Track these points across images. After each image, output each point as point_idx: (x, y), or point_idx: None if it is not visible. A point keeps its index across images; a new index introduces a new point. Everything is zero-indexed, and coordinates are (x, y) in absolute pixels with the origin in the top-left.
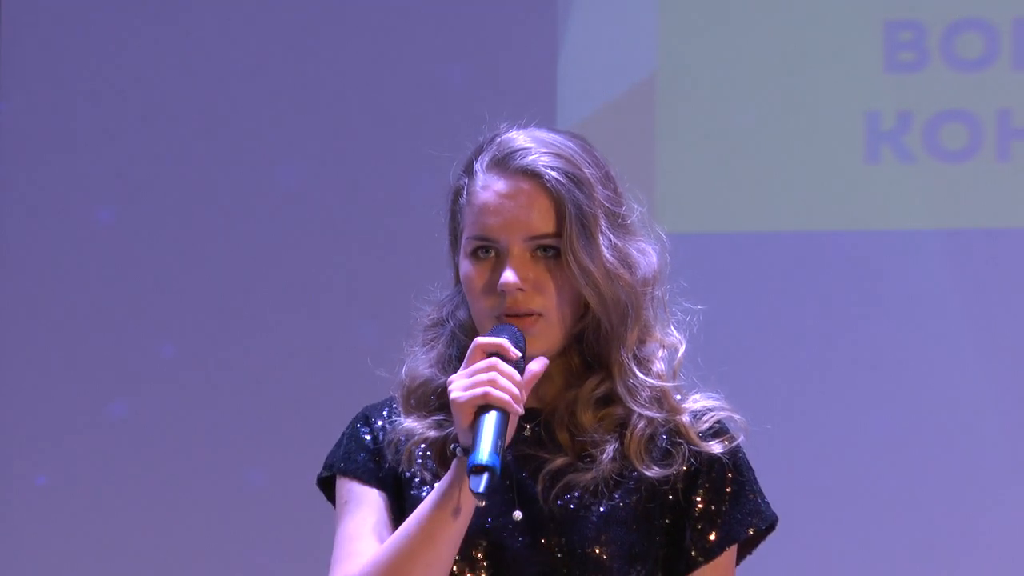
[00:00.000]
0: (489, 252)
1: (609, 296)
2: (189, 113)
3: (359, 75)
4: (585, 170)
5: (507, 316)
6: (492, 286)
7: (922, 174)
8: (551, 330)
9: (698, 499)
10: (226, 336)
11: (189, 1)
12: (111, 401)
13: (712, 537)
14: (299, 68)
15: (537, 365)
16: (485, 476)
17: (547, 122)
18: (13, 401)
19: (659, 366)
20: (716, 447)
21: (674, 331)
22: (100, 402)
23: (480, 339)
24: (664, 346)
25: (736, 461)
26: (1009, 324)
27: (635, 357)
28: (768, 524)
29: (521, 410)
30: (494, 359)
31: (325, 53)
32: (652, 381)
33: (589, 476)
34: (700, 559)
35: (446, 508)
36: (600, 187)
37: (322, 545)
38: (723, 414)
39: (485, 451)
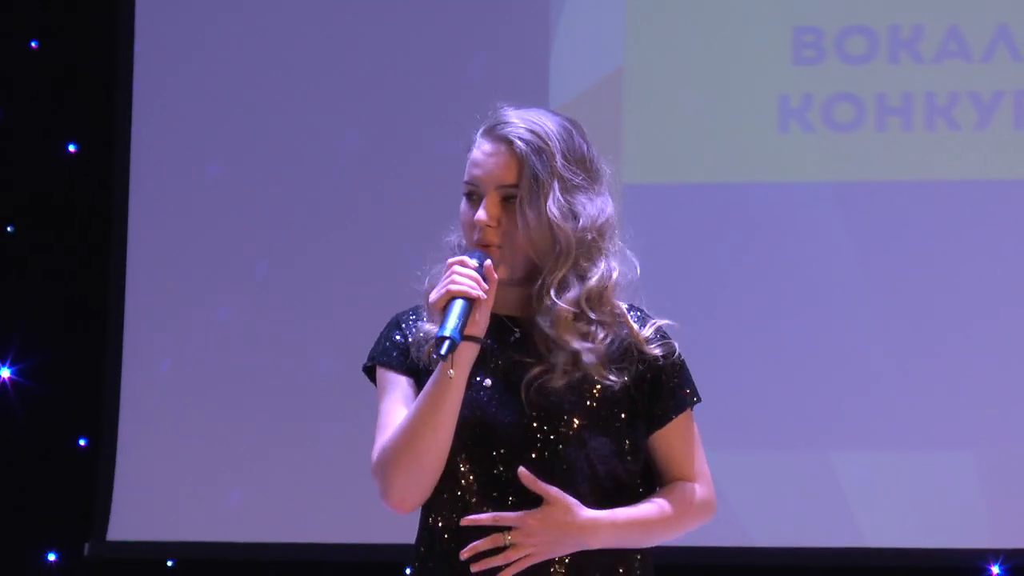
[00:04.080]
0: (474, 195)
1: (539, 240)
2: (275, 96)
3: (403, 67)
4: (549, 143)
5: (478, 244)
6: (472, 220)
7: (820, 141)
8: (510, 257)
9: (647, 386)
10: (304, 258)
11: (266, 25)
12: (219, 307)
13: (667, 411)
14: (358, 61)
15: (489, 264)
16: (446, 343)
17: (542, 101)
18: (146, 307)
19: (572, 293)
20: (657, 349)
21: (613, 264)
22: (211, 307)
23: (451, 259)
24: (596, 277)
25: (674, 358)
26: (883, 253)
27: (558, 284)
28: (696, 399)
29: (483, 294)
30: (455, 265)
31: (376, 50)
32: (561, 304)
33: (561, 383)
34: (659, 425)
35: (440, 382)
36: (560, 157)
37: (369, 417)
38: (661, 322)
39: (447, 327)
